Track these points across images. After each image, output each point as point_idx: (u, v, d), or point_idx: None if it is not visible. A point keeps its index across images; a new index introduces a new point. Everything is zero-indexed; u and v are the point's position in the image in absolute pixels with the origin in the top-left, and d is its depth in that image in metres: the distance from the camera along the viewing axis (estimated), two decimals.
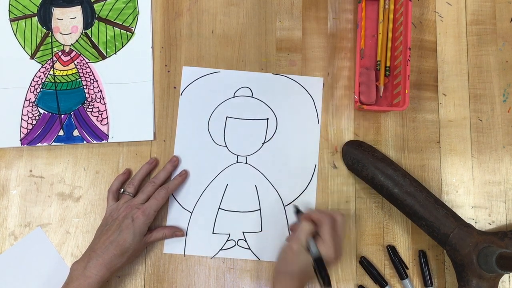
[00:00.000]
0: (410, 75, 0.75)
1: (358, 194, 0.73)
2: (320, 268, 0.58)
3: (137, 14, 0.76)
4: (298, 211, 0.67)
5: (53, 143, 0.73)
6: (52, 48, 0.76)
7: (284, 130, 0.74)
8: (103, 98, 0.74)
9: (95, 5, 0.76)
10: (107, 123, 0.73)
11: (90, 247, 0.65)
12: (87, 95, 0.74)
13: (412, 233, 0.72)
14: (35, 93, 0.74)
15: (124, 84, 0.74)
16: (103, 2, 0.76)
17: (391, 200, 0.69)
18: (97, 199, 0.72)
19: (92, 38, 0.76)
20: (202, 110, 0.75)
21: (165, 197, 0.68)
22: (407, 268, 0.71)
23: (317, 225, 0.62)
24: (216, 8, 0.77)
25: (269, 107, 0.75)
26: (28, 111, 0.74)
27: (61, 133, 0.73)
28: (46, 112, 0.74)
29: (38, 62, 0.75)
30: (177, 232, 0.70)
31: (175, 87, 0.75)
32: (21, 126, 0.73)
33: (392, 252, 0.70)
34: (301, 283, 0.62)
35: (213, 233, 0.72)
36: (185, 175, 0.72)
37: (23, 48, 0.76)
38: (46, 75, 0.75)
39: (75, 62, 0.75)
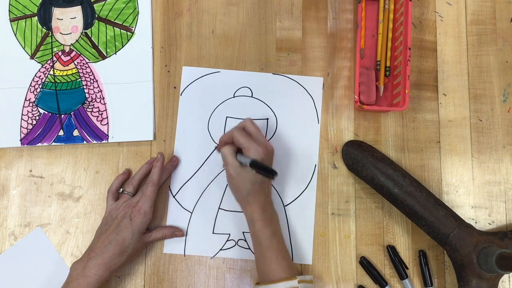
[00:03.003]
0: (410, 75, 0.75)
1: (358, 194, 0.73)
2: (259, 167, 0.60)
3: (137, 14, 0.76)
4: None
5: (53, 143, 0.73)
6: (52, 48, 0.76)
7: (284, 130, 0.74)
8: (103, 98, 0.74)
9: (95, 5, 0.76)
10: (107, 123, 0.73)
11: (90, 247, 0.65)
12: (87, 95, 0.74)
13: (412, 233, 0.72)
14: (35, 93, 0.74)
15: (124, 84, 0.74)
16: (103, 2, 0.77)
17: (391, 200, 0.69)
18: (97, 199, 0.72)
19: (92, 38, 0.76)
20: (202, 110, 0.75)
21: (154, 190, 0.67)
22: (407, 268, 0.71)
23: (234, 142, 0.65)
24: (216, 8, 0.77)
25: (269, 107, 0.75)
26: (28, 111, 0.74)
27: (61, 133, 0.73)
28: (46, 112, 0.74)
29: (38, 62, 0.75)
30: (177, 232, 0.70)
31: (175, 87, 0.75)
32: (21, 126, 0.73)
33: (392, 252, 0.70)
34: (264, 192, 0.65)
35: (213, 233, 0.72)
36: (162, 159, 0.70)
37: (23, 48, 0.76)
38: (46, 75, 0.75)
39: (75, 62, 0.75)
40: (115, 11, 0.76)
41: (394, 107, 0.72)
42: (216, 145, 0.72)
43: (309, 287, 0.63)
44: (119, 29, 0.76)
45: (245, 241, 0.71)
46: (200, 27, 0.77)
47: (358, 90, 0.70)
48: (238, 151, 0.66)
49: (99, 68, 0.75)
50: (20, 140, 0.73)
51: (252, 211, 0.65)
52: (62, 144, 0.73)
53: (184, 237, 0.71)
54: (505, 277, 0.71)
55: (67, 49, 0.76)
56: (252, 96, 0.75)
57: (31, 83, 0.74)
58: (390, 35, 0.74)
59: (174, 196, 0.72)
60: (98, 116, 0.74)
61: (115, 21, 0.76)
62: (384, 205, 0.72)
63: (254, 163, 0.61)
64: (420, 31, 0.77)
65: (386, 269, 0.71)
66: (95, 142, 0.73)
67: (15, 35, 0.76)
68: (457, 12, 0.77)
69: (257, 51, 0.76)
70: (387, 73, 0.74)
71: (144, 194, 0.67)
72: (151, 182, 0.68)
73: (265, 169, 0.60)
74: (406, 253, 0.71)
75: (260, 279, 0.65)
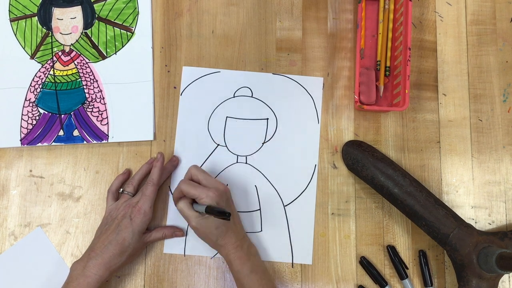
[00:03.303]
0: (410, 75, 0.75)
1: (358, 194, 0.73)
2: (214, 211, 0.59)
3: (137, 14, 0.76)
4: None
5: (53, 143, 0.73)
6: (52, 48, 0.76)
7: (284, 130, 0.74)
8: (103, 98, 0.74)
9: (95, 5, 0.76)
10: (107, 123, 0.73)
11: (90, 247, 0.65)
12: (87, 95, 0.74)
13: (412, 233, 0.72)
14: (35, 93, 0.74)
15: (124, 84, 0.74)
16: (103, 2, 0.77)
17: (391, 200, 0.69)
18: (97, 199, 0.72)
19: (92, 38, 0.76)
20: (202, 110, 0.75)
21: (153, 190, 0.67)
22: (407, 268, 0.71)
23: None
24: (216, 8, 0.77)
25: (269, 107, 0.75)
26: (28, 111, 0.74)
27: (61, 133, 0.73)
28: (46, 112, 0.74)
29: (38, 62, 0.75)
30: (177, 232, 0.70)
31: (175, 87, 0.75)
32: (21, 126, 0.73)
33: (392, 252, 0.70)
34: (233, 232, 0.65)
35: None
36: (162, 158, 0.70)
37: (23, 48, 0.76)
38: (46, 75, 0.75)
39: (75, 62, 0.75)
40: (115, 11, 0.76)
41: (394, 107, 0.72)
42: (174, 200, 0.69)
43: None
44: (119, 29, 0.76)
45: None
46: (200, 27, 0.77)
47: (358, 90, 0.70)
48: (194, 201, 0.65)
49: (99, 68, 0.75)
50: (20, 140, 0.73)
51: (227, 252, 0.64)
52: (62, 144, 0.73)
53: (184, 237, 0.71)
54: (505, 277, 0.71)
55: (67, 49, 0.76)
56: (252, 96, 0.75)
57: (31, 83, 0.74)
58: (390, 35, 0.74)
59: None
60: (98, 116, 0.74)
61: (115, 21, 0.76)
62: (384, 205, 0.72)
63: (208, 208, 0.60)
64: (420, 31, 0.77)
65: (386, 269, 0.71)
66: (95, 142, 0.73)
67: (15, 35, 0.76)
68: (457, 12, 0.77)
69: (257, 51, 0.76)
70: (387, 73, 0.74)
71: (144, 194, 0.67)
72: (151, 182, 0.68)
73: (219, 212, 0.59)
74: (406, 253, 0.71)
75: None
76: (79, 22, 0.76)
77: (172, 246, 0.71)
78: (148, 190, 0.67)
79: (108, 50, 0.75)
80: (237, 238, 0.65)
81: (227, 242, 0.64)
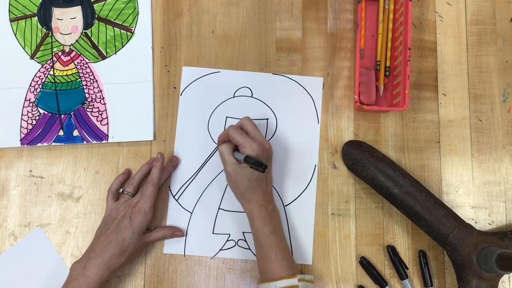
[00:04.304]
0: (410, 75, 0.75)
1: (358, 194, 0.73)
2: (252, 161, 0.61)
3: (137, 14, 0.76)
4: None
5: (53, 143, 0.73)
6: (52, 48, 0.76)
7: (284, 130, 0.74)
8: (103, 98, 0.74)
9: (95, 5, 0.76)
10: (107, 123, 0.73)
11: (90, 247, 0.65)
12: (87, 95, 0.74)
13: (412, 233, 0.72)
14: (35, 93, 0.74)
15: (124, 84, 0.74)
16: (103, 2, 0.77)
17: (391, 200, 0.69)
18: (97, 199, 0.72)
19: (92, 38, 0.76)
20: (202, 110, 0.75)
21: (153, 190, 0.67)
22: (407, 268, 0.71)
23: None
24: (216, 8, 0.77)
25: (269, 107, 0.75)
26: (28, 111, 0.74)
27: (61, 133, 0.73)
28: (46, 112, 0.74)
29: (38, 62, 0.75)
30: (177, 232, 0.70)
31: (175, 87, 0.75)
32: (21, 126, 0.73)
33: (392, 252, 0.70)
34: (262, 190, 0.66)
35: (213, 233, 0.72)
36: (162, 159, 0.70)
37: (23, 48, 0.76)
38: (46, 75, 0.75)
39: (75, 62, 0.75)
40: (115, 11, 0.76)
41: (394, 107, 0.72)
42: (217, 145, 0.72)
43: (309, 287, 0.63)
44: (119, 29, 0.76)
45: (245, 241, 0.71)
46: (200, 27, 0.77)
47: (358, 90, 0.70)
48: (236, 149, 0.67)
49: (99, 68, 0.75)
50: (20, 140, 0.73)
51: (251, 208, 0.65)
52: (62, 144, 0.73)
53: (184, 237, 0.71)
54: (505, 277, 0.71)
55: (67, 49, 0.76)
56: (252, 96, 0.75)
57: (31, 83, 0.74)
58: (390, 35, 0.74)
59: (174, 196, 0.72)
60: (98, 116, 0.74)
61: (115, 21, 0.76)
62: (384, 205, 0.72)
63: (247, 158, 0.62)
64: (420, 31, 0.77)
65: (386, 269, 0.71)
66: (95, 142, 0.73)
67: (15, 35, 0.76)
68: (457, 12, 0.77)
69: (257, 51, 0.76)
70: (387, 73, 0.74)
71: (144, 194, 0.67)
72: (151, 182, 0.68)
73: (256, 163, 0.61)
74: (406, 253, 0.71)
75: (261, 277, 0.65)
76: (79, 22, 0.76)
77: (172, 246, 0.71)
78: (148, 190, 0.67)
79: (108, 50, 0.75)
80: (264, 198, 0.66)
81: (254, 198, 0.65)
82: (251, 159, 0.62)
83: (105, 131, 0.73)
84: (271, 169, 0.71)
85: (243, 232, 0.72)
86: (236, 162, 0.65)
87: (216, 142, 0.74)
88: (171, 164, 0.72)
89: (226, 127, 0.74)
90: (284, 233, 0.68)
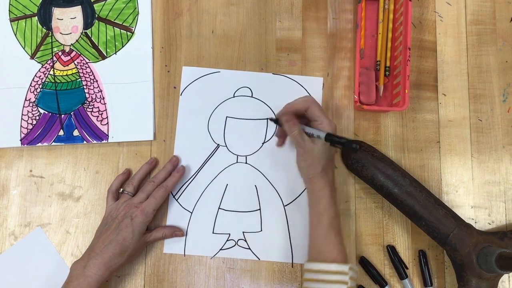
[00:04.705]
0: (410, 75, 0.75)
1: (358, 194, 0.73)
2: (336, 138, 0.61)
3: (137, 14, 0.76)
4: (276, 121, 0.68)
5: (53, 143, 0.73)
6: (52, 48, 0.76)
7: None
8: (103, 98, 0.74)
9: (95, 5, 0.76)
10: (107, 123, 0.73)
11: (90, 246, 0.65)
12: (87, 95, 0.74)
13: (412, 233, 0.72)
14: (35, 93, 0.74)
15: (124, 84, 0.75)
16: (103, 2, 0.77)
17: (391, 200, 0.69)
18: (97, 199, 0.72)
19: (92, 38, 0.76)
20: (202, 110, 0.75)
21: (164, 195, 0.68)
22: (407, 268, 0.71)
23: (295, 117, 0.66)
24: (216, 8, 0.77)
25: (269, 107, 0.75)
26: (28, 111, 0.74)
27: (61, 133, 0.73)
28: (46, 112, 0.74)
29: (38, 62, 0.75)
30: (177, 232, 0.70)
31: (175, 87, 0.75)
32: (21, 126, 0.73)
33: (392, 252, 0.71)
34: (332, 170, 0.66)
35: (213, 233, 0.72)
36: (182, 170, 0.71)
37: (23, 48, 0.76)
38: (46, 75, 0.75)
39: (75, 62, 0.75)
40: (115, 11, 0.76)
41: (394, 107, 0.72)
42: (272, 118, 0.70)
43: (355, 278, 0.62)
44: (119, 29, 0.76)
45: (245, 241, 0.71)
46: (200, 27, 0.77)
47: (358, 90, 0.70)
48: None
49: (99, 68, 0.75)
50: (20, 140, 0.73)
51: (322, 187, 0.64)
52: (62, 144, 0.73)
53: (184, 237, 0.71)
54: (505, 277, 0.71)
55: (67, 49, 0.76)
56: (252, 96, 0.75)
57: (31, 83, 0.75)
58: (390, 35, 0.74)
59: (174, 196, 0.72)
60: (98, 116, 0.74)
61: (115, 21, 0.76)
62: (384, 205, 0.72)
63: (329, 135, 0.61)
64: (420, 31, 0.77)
65: (386, 269, 0.71)
66: (95, 142, 0.73)
67: (15, 35, 0.76)
68: (457, 12, 0.77)
69: (257, 51, 0.76)
70: (387, 73, 0.74)
71: (153, 196, 0.67)
72: (164, 187, 0.68)
73: (345, 143, 0.60)
74: (406, 253, 0.71)
75: (312, 255, 0.64)
76: (79, 22, 0.76)
77: (172, 246, 0.71)
78: (158, 193, 0.67)
79: (108, 50, 0.76)
80: (333, 179, 0.66)
81: (327, 177, 0.64)
82: (336, 137, 0.61)
83: (105, 131, 0.73)
84: None
85: (243, 232, 0.72)
86: (311, 140, 0.64)
87: (216, 142, 0.74)
88: (171, 164, 0.72)
89: (226, 127, 0.74)
90: (285, 234, 0.68)
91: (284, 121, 0.66)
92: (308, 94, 0.75)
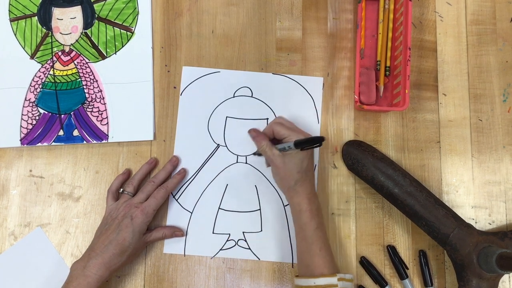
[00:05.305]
0: (410, 75, 0.75)
1: (358, 194, 0.73)
2: (305, 142, 0.61)
3: (137, 14, 0.76)
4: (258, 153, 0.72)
5: (53, 143, 0.73)
6: (52, 48, 0.76)
7: None
8: (103, 98, 0.74)
9: (95, 5, 0.76)
10: (107, 123, 0.73)
11: (90, 246, 0.65)
12: (87, 95, 0.74)
13: (412, 233, 0.72)
14: (35, 93, 0.74)
15: (124, 84, 0.74)
16: (103, 2, 0.77)
17: (391, 200, 0.69)
18: (97, 199, 0.72)
19: (92, 38, 0.76)
20: (202, 110, 0.75)
21: (164, 196, 0.68)
22: (407, 268, 0.71)
23: (266, 137, 0.67)
24: (216, 8, 0.77)
25: (269, 107, 0.75)
26: (28, 111, 0.74)
27: (61, 133, 0.73)
28: (46, 112, 0.74)
29: (38, 62, 0.75)
30: (177, 232, 0.70)
31: (175, 87, 0.75)
32: (21, 126, 0.73)
33: (392, 252, 0.70)
34: (309, 182, 0.66)
35: (213, 233, 0.72)
36: (183, 173, 0.72)
37: (23, 48, 0.76)
38: (46, 75, 0.75)
39: (75, 62, 0.75)
40: (115, 11, 0.76)
41: (394, 107, 0.72)
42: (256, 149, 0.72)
43: (348, 286, 0.62)
44: (119, 29, 0.76)
45: (245, 241, 0.71)
46: (200, 27, 0.77)
47: (358, 90, 0.70)
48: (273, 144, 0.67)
49: (99, 68, 0.75)
50: (20, 140, 0.73)
51: (300, 201, 0.64)
52: (62, 144, 0.73)
53: (184, 237, 0.71)
54: (505, 277, 0.71)
55: (67, 49, 0.76)
56: (252, 96, 0.75)
57: (31, 83, 0.74)
58: (390, 35, 0.74)
59: (174, 196, 0.72)
60: (98, 116, 0.74)
61: (115, 21, 0.76)
62: (384, 205, 0.72)
63: (297, 142, 0.62)
64: (420, 31, 0.77)
65: (386, 269, 0.71)
66: (95, 142, 0.73)
67: (15, 35, 0.76)
68: (457, 12, 0.77)
69: (257, 51, 0.76)
70: (387, 73, 0.74)
71: (153, 196, 0.67)
72: (165, 188, 0.68)
73: (310, 141, 0.60)
74: (406, 253, 0.71)
75: (301, 270, 0.65)
76: (79, 22, 0.76)
77: (172, 246, 0.71)
78: (159, 193, 0.67)
79: (108, 50, 0.75)
80: (312, 191, 0.66)
81: (303, 191, 0.64)
82: (303, 140, 0.61)
83: (105, 131, 0.73)
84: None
85: (243, 232, 0.72)
86: (281, 154, 0.65)
87: (216, 142, 0.74)
88: (171, 164, 0.72)
89: (226, 127, 0.74)
90: (284, 235, 0.68)
91: (252, 137, 0.69)
92: (309, 94, 0.75)
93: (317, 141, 0.60)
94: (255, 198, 0.72)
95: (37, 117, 0.74)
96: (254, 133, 0.69)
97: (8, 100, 0.74)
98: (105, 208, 0.70)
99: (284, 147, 0.64)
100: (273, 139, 0.68)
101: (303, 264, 0.64)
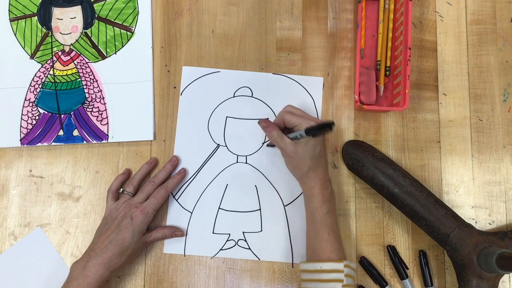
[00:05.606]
0: (410, 75, 0.75)
1: (358, 194, 0.73)
2: (315, 128, 0.61)
3: (137, 14, 0.76)
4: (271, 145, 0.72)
5: (53, 143, 0.73)
6: (52, 48, 0.76)
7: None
8: (103, 98, 0.74)
9: (95, 5, 0.76)
10: (107, 123, 0.73)
11: (90, 246, 0.65)
12: (87, 95, 0.74)
13: (412, 233, 0.72)
14: (35, 93, 0.74)
15: (124, 84, 0.74)
16: (103, 2, 0.76)
17: (391, 200, 0.69)
18: (97, 199, 0.72)
19: (92, 38, 0.76)
20: (202, 110, 0.74)
21: (165, 196, 0.68)
22: (407, 268, 0.71)
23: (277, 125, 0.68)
24: (216, 8, 0.77)
25: (269, 107, 0.75)
26: (28, 111, 0.74)
27: (61, 133, 0.73)
28: (46, 112, 0.74)
29: (38, 62, 0.75)
30: (177, 232, 0.70)
31: (175, 87, 0.75)
32: (21, 126, 0.73)
33: (392, 252, 0.70)
34: (323, 167, 0.66)
35: (213, 233, 0.72)
36: (183, 173, 0.72)
37: (23, 48, 0.76)
38: (46, 75, 0.75)
39: (75, 62, 0.75)
40: (115, 11, 0.76)
41: (394, 107, 0.72)
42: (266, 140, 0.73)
43: (352, 274, 0.62)
44: (119, 29, 0.76)
45: (245, 241, 0.71)
46: (200, 27, 0.77)
47: (358, 90, 0.70)
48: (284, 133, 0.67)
49: (99, 68, 0.75)
50: (20, 140, 0.73)
51: (313, 186, 0.65)
52: (62, 144, 0.73)
53: (184, 237, 0.71)
54: (505, 277, 0.71)
55: (67, 49, 0.76)
56: (252, 96, 0.75)
57: (31, 83, 0.74)
58: (390, 35, 0.74)
59: (174, 196, 0.72)
60: (98, 116, 0.74)
61: (115, 21, 0.76)
62: (384, 205, 0.72)
63: (308, 129, 0.62)
64: (420, 31, 0.77)
65: (386, 269, 0.71)
66: (95, 142, 0.73)
67: (15, 35, 0.76)
68: (457, 12, 0.77)
69: (257, 51, 0.76)
70: (387, 73, 0.74)
71: (153, 196, 0.67)
72: (165, 188, 0.68)
73: (321, 127, 0.60)
74: (406, 253, 0.71)
75: (308, 254, 0.65)
76: (79, 22, 0.76)
77: (172, 246, 0.71)
78: (159, 193, 0.67)
79: (108, 50, 0.75)
80: (325, 177, 0.66)
81: (317, 176, 0.65)
82: (314, 127, 0.61)
83: (105, 131, 0.73)
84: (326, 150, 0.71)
85: (243, 232, 0.72)
86: (293, 143, 0.65)
87: (216, 142, 0.74)
88: (171, 164, 0.72)
89: (226, 127, 0.74)
90: (285, 234, 0.68)
91: (263, 127, 0.68)
92: (309, 94, 0.75)
93: (327, 126, 0.60)
94: (255, 198, 0.72)
95: (37, 117, 0.74)
96: (264, 124, 0.68)
97: (8, 100, 0.74)
98: (105, 208, 0.70)
99: (296, 135, 0.64)
100: (285, 128, 0.68)
101: (311, 249, 0.64)
